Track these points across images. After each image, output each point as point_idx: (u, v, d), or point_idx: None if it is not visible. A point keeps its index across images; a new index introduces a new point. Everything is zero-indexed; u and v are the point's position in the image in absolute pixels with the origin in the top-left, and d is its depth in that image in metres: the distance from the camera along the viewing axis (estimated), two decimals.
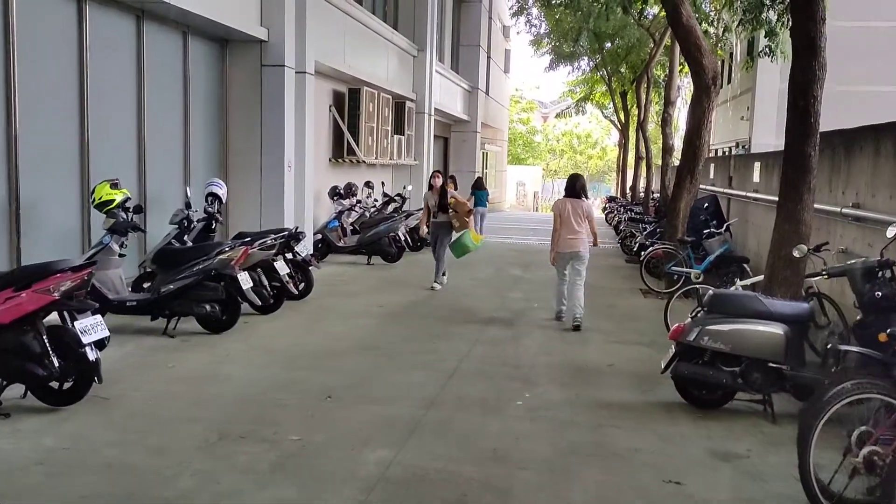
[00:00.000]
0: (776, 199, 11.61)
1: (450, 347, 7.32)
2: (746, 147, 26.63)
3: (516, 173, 49.99)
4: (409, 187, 17.57)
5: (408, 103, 19.08)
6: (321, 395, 5.65)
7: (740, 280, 7.47)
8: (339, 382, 5.99)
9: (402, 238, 13.81)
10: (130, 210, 7.14)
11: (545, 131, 61.57)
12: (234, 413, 5.17)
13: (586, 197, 8.79)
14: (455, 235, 10.70)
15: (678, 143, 16.02)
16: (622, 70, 28.92)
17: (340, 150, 15.61)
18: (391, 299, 9.89)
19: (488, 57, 31.28)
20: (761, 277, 7.68)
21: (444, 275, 11.15)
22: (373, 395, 5.72)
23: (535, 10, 28.27)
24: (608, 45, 27.00)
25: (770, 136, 25.35)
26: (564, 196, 8.66)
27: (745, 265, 9.73)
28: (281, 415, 5.16)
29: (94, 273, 5.33)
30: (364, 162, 15.85)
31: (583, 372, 6.66)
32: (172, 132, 10.09)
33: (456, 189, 23.87)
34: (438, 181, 10.77)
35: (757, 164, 12.90)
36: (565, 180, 8.92)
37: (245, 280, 7.62)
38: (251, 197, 11.15)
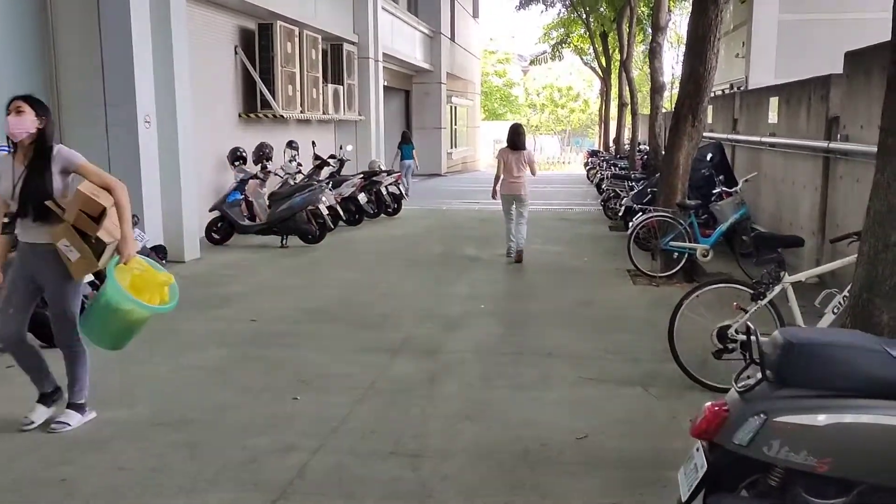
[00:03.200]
0: (804, 142, 8.84)
1: (313, 413, 4.40)
2: (742, 88, 23.70)
3: (493, 129, 46.81)
4: (349, 147, 14.54)
5: (346, 46, 15.94)
6: None
7: (788, 276, 4.62)
8: None
9: (327, 212, 10.86)
10: None
11: (525, 85, 58.19)
12: None
13: (523, 148, 9.57)
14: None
15: (669, 80, 13.12)
16: (601, 8, 25.80)
17: (254, 104, 12.55)
18: (277, 306, 6.99)
19: None
20: (827, 268, 4.79)
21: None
22: None
23: None
24: None
25: (769, 74, 22.40)
26: (507, 147, 9.58)
27: (797, 248, 6.25)
28: None
29: None
30: (284, 117, 12.80)
31: (529, 460, 3.80)
32: None
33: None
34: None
35: (774, 101, 9.99)
36: (508, 131, 9.79)
37: None
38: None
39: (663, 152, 13.53)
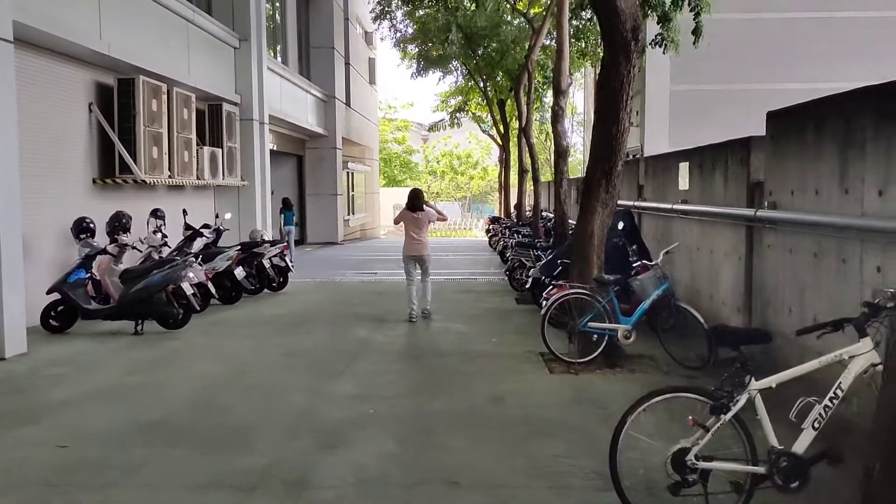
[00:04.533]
0: (728, 209, 8.09)
1: None
2: (638, 157, 23.89)
3: (392, 196, 46.06)
4: (228, 215, 13.06)
5: (227, 106, 14.61)
6: None
7: (755, 382, 3.59)
8: None
9: (193, 291, 9.31)
10: None
11: (425, 152, 58.18)
12: None
13: (422, 209, 9.78)
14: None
15: (576, 141, 12.50)
16: (498, 77, 25.74)
17: (112, 167, 10.95)
18: (106, 419, 5.41)
19: (347, 64, 27.23)
20: (805, 369, 3.78)
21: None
22: None
23: (398, 14, 24.63)
24: (480, 51, 23.75)
25: (663, 142, 22.71)
26: (406, 209, 9.84)
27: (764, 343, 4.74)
28: None
29: None
30: (147, 182, 11.23)
31: None
32: None
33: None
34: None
35: (684, 166, 9.37)
36: (407, 195, 10.08)
37: None
38: None
39: (573, 220, 12.90)
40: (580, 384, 6.53)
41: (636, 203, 11.45)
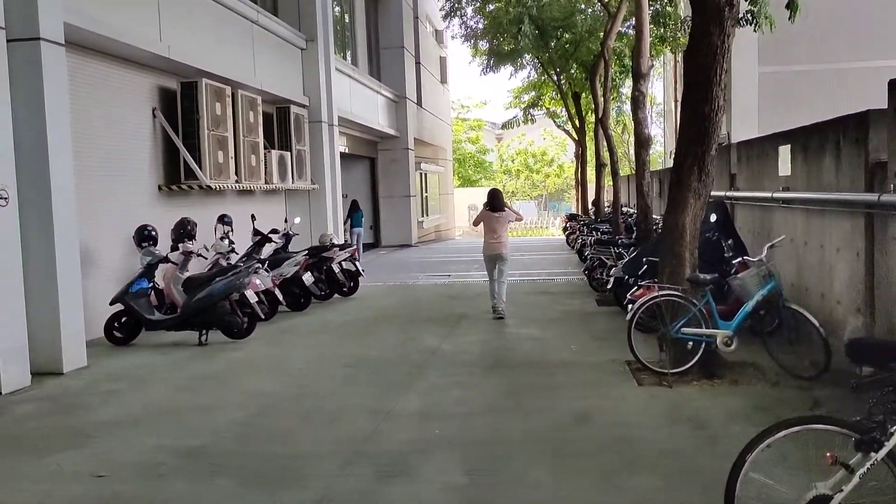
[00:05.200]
0: (842, 195, 7.03)
1: None
2: (726, 144, 22.49)
3: (467, 196, 45.55)
4: (297, 220, 12.72)
5: (295, 109, 14.33)
6: None
7: None
8: None
9: (257, 299, 8.96)
10: None
11: (499, 151, 57.37)
12: None
13: (502, 209, 9.90)
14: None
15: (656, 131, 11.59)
16: (572, 70, 24.81)
17: (177, 174, 10.76)
18: (148, 444, 4.99)
19: (418, 63, 26.81)
20: None
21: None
22: None
23: (469, 10, 24.10)
24: (553, 43, 22.92)
25: (752, 128, 21.26)
26: (487, 209, 9.92)
27: None
28: None
29: None
30: (212, 188, 10.99)
31: None
32: None
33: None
34: None
35: (784, 149, 8.38)
36: (487, 195, 10.21)
37: None
38: None
39: (657, 215, 11.98)
40: (674, 399, 5.74)
41: (727, 193, 10.46)
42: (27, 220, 6.72)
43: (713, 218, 8.35)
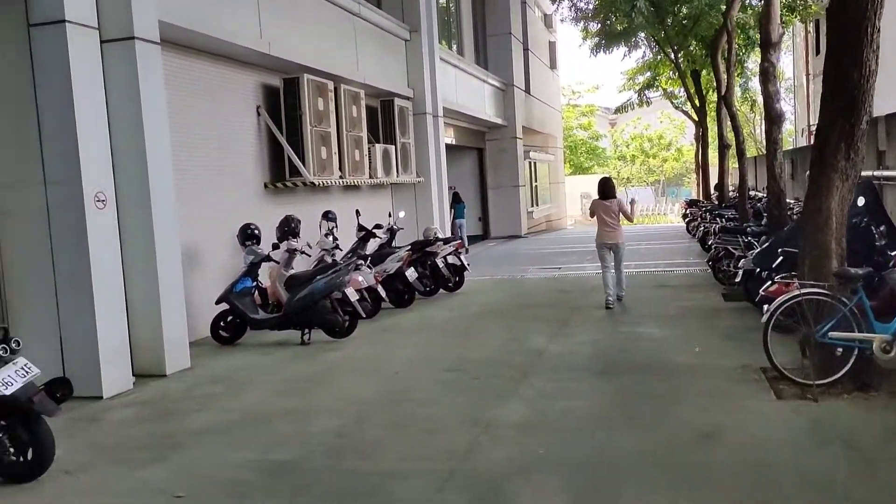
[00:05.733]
0: None
1: None
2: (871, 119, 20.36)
3: (579, 184, 44.30)
4: (402, 214, 12.48)
5: (398, 101, 14.08)
6: None
7: None
8: None
9: (358, 297, 8.72)
10: None
11: (613, 137, 55.45)
12: None
13: (614, 196, 9.78)
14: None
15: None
16: (691, 46, 23.36)
17: (282, 171, 10.72)
18: (236, 456, 4.76)
19: (526, 49, 26.09)
20: None
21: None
22: None
23: None
24: (670, 19, 21.64)
25: None
26: (599, 198, 9.79)
27: None
28: None
29: None
30: (315, 184, 10.87)
31: None
32: None
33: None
34: None
35: None
36: (597, 183, 10.12)
37: None
38: (39, 262, 6.31)
39: (790, 199, 10.85)
40: (822, 415, 4.92)
41: (874, 173, 9.25)
42: (126, 222, 6.73)
43: (861, 202, 7.30)
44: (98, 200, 6.28)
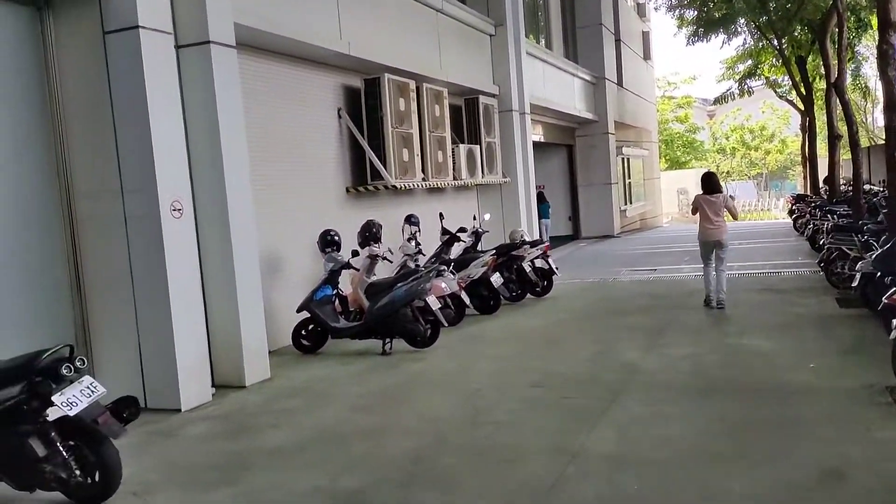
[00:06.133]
0: None
1: None
2: None
3: (675, 179, 42.67)
4: (487, 216, 12.12)
5: (483, 99, 13.70)
6: None
7: None
8: None
9: (439, 305, 8.40)
10: None
11: (711, 129, 53.09)
12: None
13: (719, 191, 9.42)
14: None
15: None
16: (796, 32, 21.90)
17: (363, 175, 10.55)
18: (303, 483, 4.50)
19: (618, 40, 25.15)
20: None
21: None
22: None
23: None
24: (773, 3, 20.33)
25: None
26: (702, 193, 9.44)
27: None
28: None
29: None
30: (397, 187, 10.63)
31: None
32: None
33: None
34: None
35: None
36: (700, 178, 9.79)
37: None
38: (117, 272, 6.30)
39: None
40: None
41: None
42: (204, 230, 6.65)
43: None
44: (175, 209, 6.21)
